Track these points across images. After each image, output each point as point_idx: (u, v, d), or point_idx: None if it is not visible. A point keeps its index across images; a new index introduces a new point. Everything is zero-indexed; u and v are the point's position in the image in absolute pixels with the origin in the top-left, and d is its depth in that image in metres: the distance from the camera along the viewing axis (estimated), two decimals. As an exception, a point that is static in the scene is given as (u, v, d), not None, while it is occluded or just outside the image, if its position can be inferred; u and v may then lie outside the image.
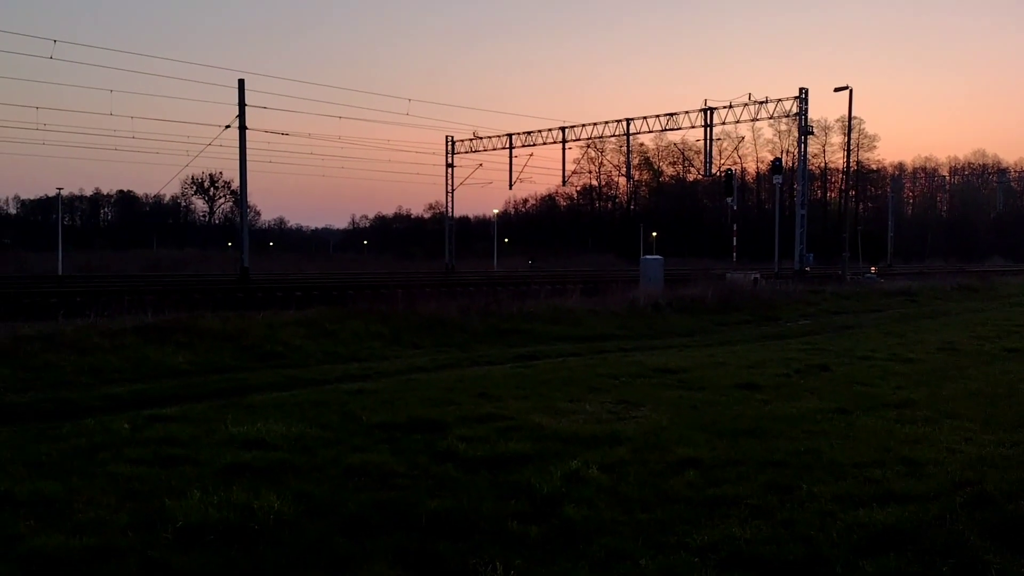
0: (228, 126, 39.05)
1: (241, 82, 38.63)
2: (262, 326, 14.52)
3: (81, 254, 67.74)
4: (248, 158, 39.34)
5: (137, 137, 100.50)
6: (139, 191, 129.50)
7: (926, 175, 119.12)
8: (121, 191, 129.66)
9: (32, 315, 15.95)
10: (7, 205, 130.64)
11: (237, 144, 39.09)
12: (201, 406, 9.14)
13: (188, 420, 8.23)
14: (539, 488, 5.85)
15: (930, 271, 55.26)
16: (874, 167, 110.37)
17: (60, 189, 71.98)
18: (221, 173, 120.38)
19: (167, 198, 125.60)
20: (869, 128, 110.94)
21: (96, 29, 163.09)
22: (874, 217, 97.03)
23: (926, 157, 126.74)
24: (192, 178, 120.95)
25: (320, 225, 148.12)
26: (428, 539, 4.94)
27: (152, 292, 18.90)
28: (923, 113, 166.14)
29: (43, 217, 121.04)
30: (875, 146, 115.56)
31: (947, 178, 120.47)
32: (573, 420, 8.41)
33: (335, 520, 5.26)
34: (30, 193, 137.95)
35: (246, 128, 38.89)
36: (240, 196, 43.02)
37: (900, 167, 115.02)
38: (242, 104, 38.65)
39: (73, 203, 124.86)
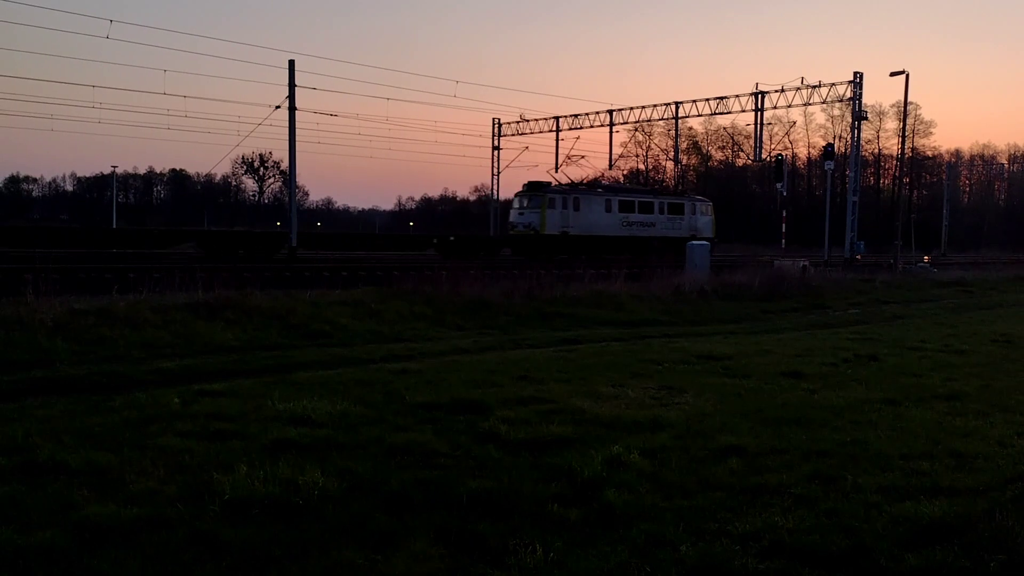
0: (278, 106, 39.34)
1: (291, 63, 38.88)
2: (309, 305, 14.71)
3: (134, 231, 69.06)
4: (297, 138, 39.57)
5: (190, 116, 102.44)
6: (191, 170, 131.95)
7: (984, 163, 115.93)
8: (174, 169, 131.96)
9: (86, 290, 16.25)
10: (64, 182, 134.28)
11: (287, 124, 39.34)
12: (249, 382, 9.31)
13: (236, 396, 8.39)
14: (580, 472, 5.86)
15: (985, 261, 53.78)
16: (930, 154, 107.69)
17: (115, 167, 73.54)
18: (271, 153, 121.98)
19: (218, 177, 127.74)
20: (925, 114, 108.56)
21: (151, 9, 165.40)
22: (928, 205, 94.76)
23: (984, 144, 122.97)
24: (243, 157, 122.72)
25: (367, 206, 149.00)
26: (469, 518, 4.98)
27: (202, 269, 19.15)
28: (982, 99, 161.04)
29: (98, 194, 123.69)
30: (931, 132, 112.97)
31: (1006, 166, 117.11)
32: (615, 405, 8.40)
33: (378, 497, 5.33)
34: (86, 171, 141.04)
35: (295, 109, 39.18)
36: (289, 176, 43.46)
37: (957, 154, 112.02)
38: (292, 85, 38.91)
39: (127, 181, 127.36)
